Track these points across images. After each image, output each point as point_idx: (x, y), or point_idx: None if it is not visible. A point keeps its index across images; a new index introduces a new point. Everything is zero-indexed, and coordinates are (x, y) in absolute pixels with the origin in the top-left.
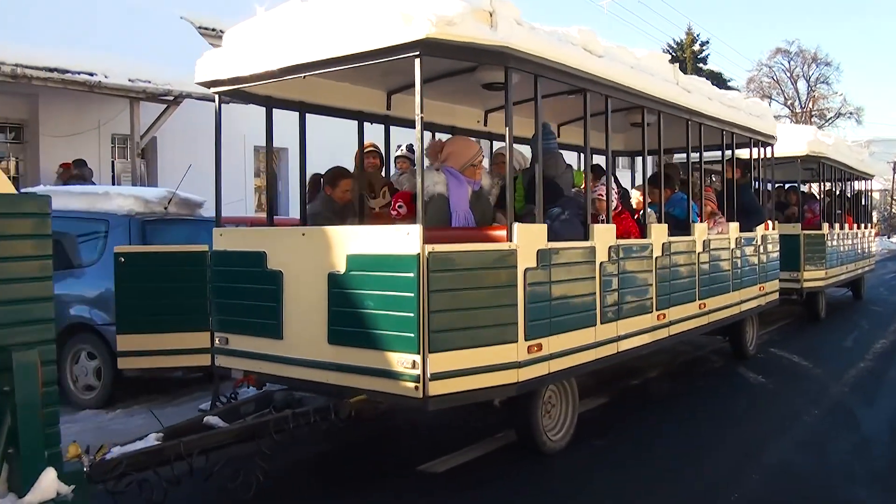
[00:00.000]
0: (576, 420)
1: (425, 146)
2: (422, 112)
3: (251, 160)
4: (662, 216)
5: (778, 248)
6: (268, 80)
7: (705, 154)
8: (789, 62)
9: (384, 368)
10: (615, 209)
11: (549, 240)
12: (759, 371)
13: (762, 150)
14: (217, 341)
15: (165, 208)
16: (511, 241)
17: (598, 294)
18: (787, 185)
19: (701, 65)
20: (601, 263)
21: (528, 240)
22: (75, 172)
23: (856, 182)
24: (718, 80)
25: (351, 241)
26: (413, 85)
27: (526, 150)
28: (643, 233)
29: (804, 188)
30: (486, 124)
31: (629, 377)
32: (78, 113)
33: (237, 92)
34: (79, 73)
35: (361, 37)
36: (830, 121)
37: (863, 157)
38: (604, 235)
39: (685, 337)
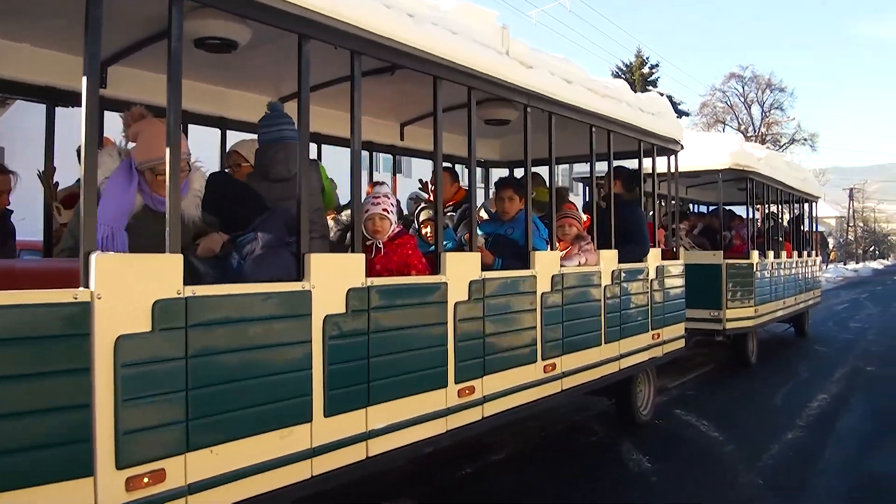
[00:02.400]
0: None
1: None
2: None
3: None
4: (474, 241)
5: (682, 284)
6: None
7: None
8: (743, 87)
9: None
10: (393, 231)
11: (207, 282)
12: (647, 448)
13: (666, 159)
14: None
15: None
16: (89, 286)
17: (321, 366)
18: (712, 208)
19: (650, 87)
20: (328, 318)
21: (126, 285)
22: None
23: (799, 205)
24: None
25: None
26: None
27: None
28: (437, 266)
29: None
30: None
31: (463, 462)
32: None
33: None
34: None
35: None
36: (784, 147)
37: (805, 176)
38: (338, 273)
39: (517, 415)
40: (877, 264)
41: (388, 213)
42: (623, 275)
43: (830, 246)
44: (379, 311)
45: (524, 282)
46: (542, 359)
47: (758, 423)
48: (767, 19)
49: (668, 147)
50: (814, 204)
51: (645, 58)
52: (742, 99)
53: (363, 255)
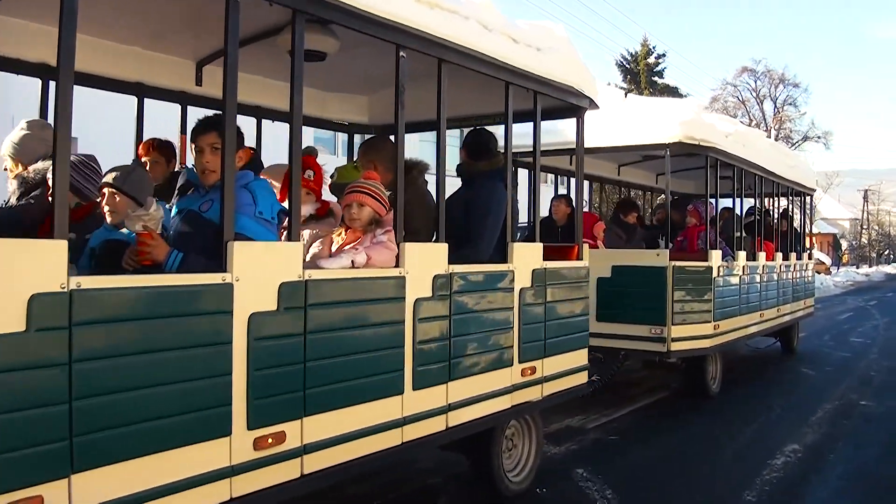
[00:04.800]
0: None
1: None
2: None
3: None
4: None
5: (584, 294)
6: None
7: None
8: (756, 82)
9: None
10: None
11: None
12: None
13: (573, 121)
14: None
15: None
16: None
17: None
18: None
19: (656, 78)
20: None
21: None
22: None
23: (789, 198)
24: (674, 95)
25: None
26: None
27: None
28: None
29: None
30: None
31: None
32: None
33: None
34: None
35: None
36: (797, 144)
37: (795, 163)
38: None
39: None
40: (890, 268)
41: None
42: (458, 283)
43: (843, 248)
44: None
45: (202, 296)
46: (252, 427)
47: (688, 497)
48: (783, 17)
49: (566, 101)
50: (808, 198)
51: (651, 47)
52: (754, 94)
53: None
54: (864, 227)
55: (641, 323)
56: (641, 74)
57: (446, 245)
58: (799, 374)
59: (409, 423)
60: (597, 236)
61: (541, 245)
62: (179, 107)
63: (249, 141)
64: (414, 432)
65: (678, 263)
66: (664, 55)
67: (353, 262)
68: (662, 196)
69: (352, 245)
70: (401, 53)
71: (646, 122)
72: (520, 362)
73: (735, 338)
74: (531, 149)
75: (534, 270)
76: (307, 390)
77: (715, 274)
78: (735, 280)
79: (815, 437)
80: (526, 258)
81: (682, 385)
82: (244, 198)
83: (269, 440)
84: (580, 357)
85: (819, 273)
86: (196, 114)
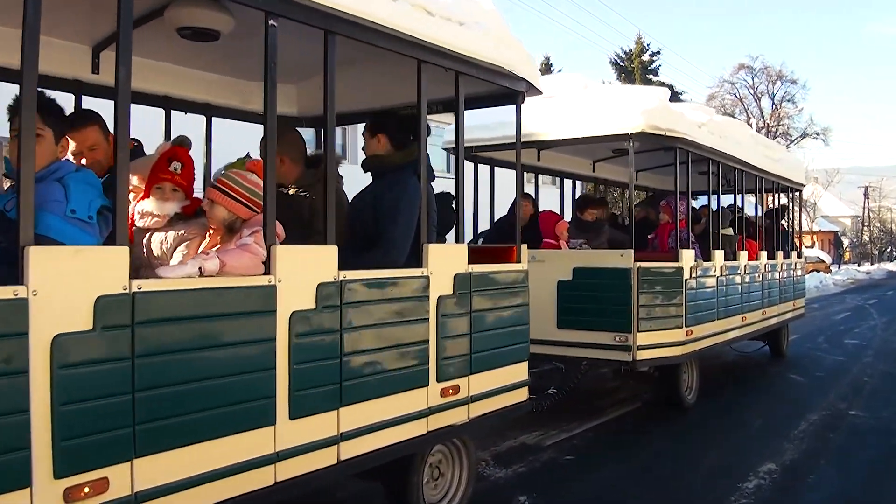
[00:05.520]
0: None
1: None
2: None
3: None
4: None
5: (523, 301)
6: None
7: None
8: (753, 79)
9: None
10: None
11: None
12: None
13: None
14: None
15: None
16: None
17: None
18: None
19: (651, 76)
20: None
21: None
22: None
23: (775, 194)
24: (670, 94)
25: None
26: None
27: None
28: None
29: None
30: None
31: None
32: None
33: None
34: None
35: None
36: (796, 141)
37: (780, 156)
38: None
39: None
40: (892, 266)
41: None
42: (352, 292)
43: (845, 246)
44: None
45: None
46: (60, 475)
47: None
48: (782, 15)
49: (497, 84)
50: (796, 194)
51: (645, 44)
52: (752, 91)
53: None
54: (866, 224)
55: (605, 330)
56: (636, 72)
57: (335, 247)
58: (786, 380)
59: (284, 459)
60: (559, 236)
61: (464, 246)
62: (73, 97)
63: (158, 135)
64: (291, 469)
65: (644, 265)
66: (659, 53)
67: (201, 269)
68: (651, 194)
69: (209, 249)
70: (270, 22)
71: (607, 111)
72: (438, 381)
73: (711, 344)
74: (490, 142)
75: (456, 275)
76: (137, 426)
77: (686, 276)
78: (711, 282)
79: (796, 454)
80: (445, 261)
81: (654, 396)
82: (53, 193)
83: (86, 490)
84: (518, 372)
85: (819, 272)
86: (91, 104)
